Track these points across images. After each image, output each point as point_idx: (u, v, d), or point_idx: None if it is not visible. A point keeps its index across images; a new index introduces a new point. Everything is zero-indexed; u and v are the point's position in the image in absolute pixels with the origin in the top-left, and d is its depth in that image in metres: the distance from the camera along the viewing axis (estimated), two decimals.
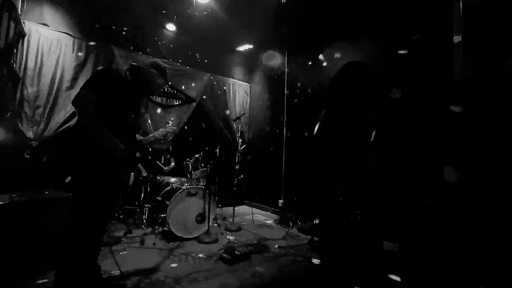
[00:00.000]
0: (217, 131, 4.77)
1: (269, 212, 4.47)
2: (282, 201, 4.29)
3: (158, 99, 4.18)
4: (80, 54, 3.30)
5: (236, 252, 2.42)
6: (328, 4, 3.70)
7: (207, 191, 3.10)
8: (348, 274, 1.77)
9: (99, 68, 1.86)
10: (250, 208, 4.74)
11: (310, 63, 4.05)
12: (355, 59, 2.02)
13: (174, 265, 2.31)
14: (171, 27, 4.26)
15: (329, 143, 2.01)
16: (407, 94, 2.69)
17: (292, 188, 4.23)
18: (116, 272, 2.10)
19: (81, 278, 1.63)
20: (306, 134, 3.98)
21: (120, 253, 2.52)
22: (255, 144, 5.07)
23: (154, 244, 2.76)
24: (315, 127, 2.17)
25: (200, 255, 2.53)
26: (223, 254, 2.41)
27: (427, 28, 2.74)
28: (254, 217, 4.21)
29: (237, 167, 5.05)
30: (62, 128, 3.23)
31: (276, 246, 2.83)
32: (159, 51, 4.22)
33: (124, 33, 3.75)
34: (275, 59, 4.72)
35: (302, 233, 3.33)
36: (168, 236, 2.94)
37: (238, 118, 3.83)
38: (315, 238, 2.87)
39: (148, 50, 4.05)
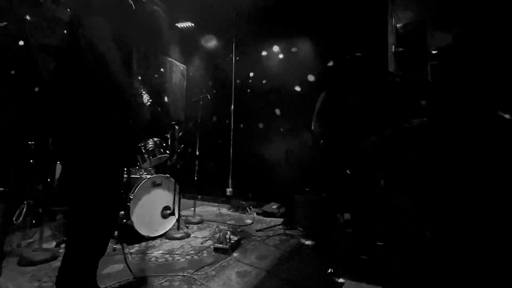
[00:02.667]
0: (153, 114, 4.12)
1: (213, 203, 4.28)
2: (230, 189, 4.21)
3: None
4: None
5: (231, 240, 2.23)
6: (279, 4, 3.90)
7: (174, 180, 2.68)
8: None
9: None
10: (190, 200, 4.39)
11: (260, 54, 4.14)
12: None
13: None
14: None
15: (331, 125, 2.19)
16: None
17: (240, 177, 4.22)
18: None
19: None
20: (260, 125, 4.07)
21: None
22: (196, 132, 4.69)
23: (114, 249, 2.15)
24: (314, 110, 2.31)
25: (187, 251, 2.18)
26: (219, 245, 2.17)
27: (368, 40, 3.36)
28: (202, 208, 3.97)
29: (174, 157, 4.57)
30: None
31: (256, 230, 2.79)
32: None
33: None
34: (218, 44, 4.51)
35: (265, 216, 3.41)
36: (126, 238, 2.35)
37: (198, 100, 3.44)
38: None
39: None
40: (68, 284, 1.08)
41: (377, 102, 2.66)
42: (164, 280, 1.68)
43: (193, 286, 1.62)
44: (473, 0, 2.78)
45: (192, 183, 3.68)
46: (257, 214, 3.54)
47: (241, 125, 4.28)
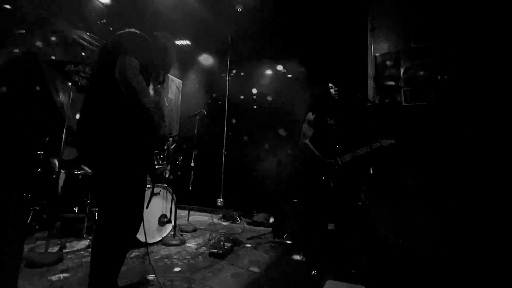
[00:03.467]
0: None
1: (204, 212, 4.45)
2: (221, 200, 4.40)
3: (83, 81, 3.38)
4: None
5: (224, 246, 2.43)
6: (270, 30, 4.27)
7: (171, 190, 2.87)
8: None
9: (133, 30, 1.42)
10: (182, 210, 4.54)
11: (252, 73, 4.47)
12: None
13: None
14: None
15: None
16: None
17: (231, 188, 4.44)
18: None
19: None
20: (245, 138, 4.35)
21: (78, 274, 1.97)
22: (188, 145, 4.90)
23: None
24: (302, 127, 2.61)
25: (184, 256, 2.36)
26: (213, 250, 2.37)
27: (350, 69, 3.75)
28: (194, 217, 4.12)
29: (168, 167, 4.73)
30: None
31: (247, 238, 2.99)
32: (87, 23, 3.46)
33: None
34: (213, 62, 4.82)
35: (254, 226, 3.62)
36: None
37: (195, 115, 3.67)
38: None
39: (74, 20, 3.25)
40: (101, 282, 1.26)
41: (356, 124, 3.01)
42: (166, 280, 1.86)
43: (192, 285, 1.81)
44: (437, 35, 3.23)
45: (186, 193, 3.85)
46: (247, 223, 3.74)
47: (233, 139, 4.54)
